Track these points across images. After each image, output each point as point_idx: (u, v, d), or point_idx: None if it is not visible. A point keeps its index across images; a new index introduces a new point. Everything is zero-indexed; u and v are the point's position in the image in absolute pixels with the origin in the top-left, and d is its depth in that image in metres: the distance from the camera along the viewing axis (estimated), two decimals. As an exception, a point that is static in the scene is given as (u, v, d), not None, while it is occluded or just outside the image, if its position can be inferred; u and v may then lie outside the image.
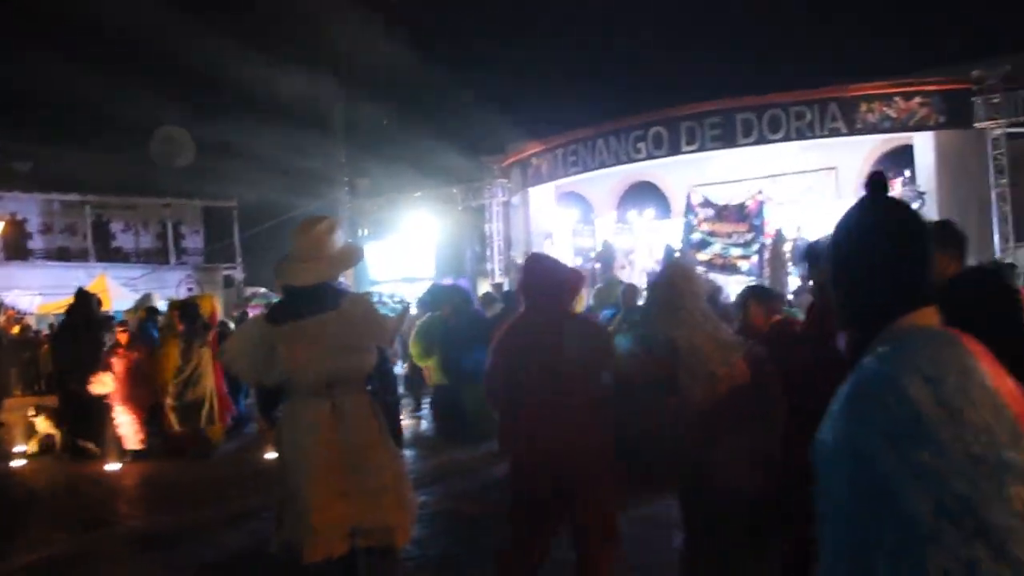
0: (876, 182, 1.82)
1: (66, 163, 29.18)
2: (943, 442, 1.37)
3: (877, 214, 1.73)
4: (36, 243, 30.77)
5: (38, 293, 25.34)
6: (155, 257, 32.72)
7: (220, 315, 14.55)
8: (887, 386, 1.45)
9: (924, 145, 19.55)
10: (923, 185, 19.06)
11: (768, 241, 18.48)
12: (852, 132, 19.53)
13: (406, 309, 5.12)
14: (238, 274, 32.00)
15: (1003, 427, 1.38)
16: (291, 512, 4.06)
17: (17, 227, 30.00)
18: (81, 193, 30.42)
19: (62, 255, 30.58)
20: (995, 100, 18.25)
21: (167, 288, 27.38)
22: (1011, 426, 1.38)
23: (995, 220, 18.54)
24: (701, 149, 20.92)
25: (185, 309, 11.45)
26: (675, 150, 21.19)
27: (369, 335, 4.15)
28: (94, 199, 31.01)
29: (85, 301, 11.71)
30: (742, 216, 18.41)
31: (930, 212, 18.81)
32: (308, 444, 4.02)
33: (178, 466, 10.46)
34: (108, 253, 31.73)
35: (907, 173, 19.66)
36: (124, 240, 33.08)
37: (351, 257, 4.40)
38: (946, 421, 1.38)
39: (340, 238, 4.34)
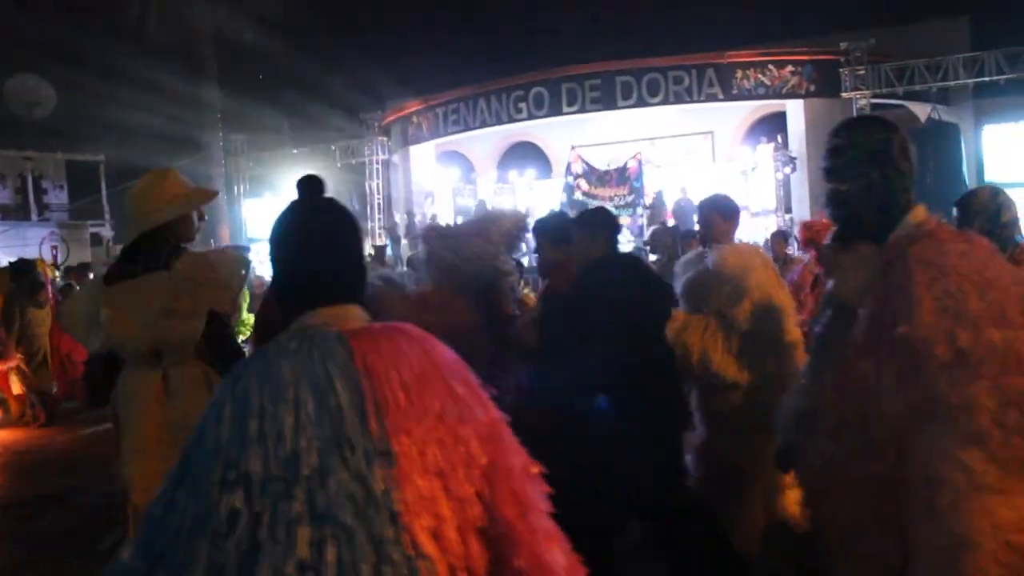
0: (306, 182, 2.02)
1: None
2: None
3: (302, 214, 1.88)
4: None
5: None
6: (14, 213, 30.97)
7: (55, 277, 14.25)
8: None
9: (795, 112, 20.23)
10: (794, 151, 19.74)
11: (648, 202, 18.84)
12: (728, 98, 20.05)
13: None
14: (107, 231, 30.62)
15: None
16: (121, 488, 3.73)
17: None
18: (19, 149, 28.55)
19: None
20: (860, 71, 19.00)
21: (30, 245, 25.97)
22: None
23: (859, 185, 19.31)
24: (581, 110, 21.10)
25: (16, 268, 11.00)
26: (556, 111, 21.31)
27: (200, 298, 3.62)
28: (34, 155, 29.15)
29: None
30: (623, 179, 18.68)
31: (801, 177, 19.54)
32: (132, 417, 3.66)
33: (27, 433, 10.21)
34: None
35: (779, 139, 20.32)
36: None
37: (183, 200, 3.78)
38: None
39: (174, 187, 3.79)
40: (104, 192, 30.87)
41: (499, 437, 1.61)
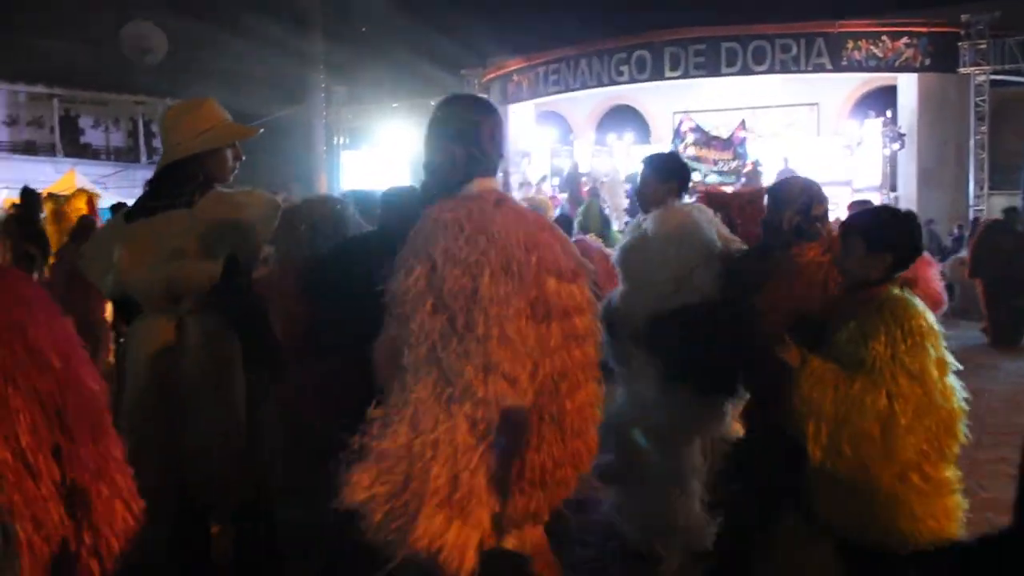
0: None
1: (34, 53, 28.35)
2: None
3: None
4: (2, 135, 30.05)
5: (4, 186, 24.85)
6: (126, 155, 32.10)
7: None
8: None
9: (907, 86, 19.50)
10: (903, 127, 19.06)
11: (746, 171, 18.48)
12: (837, 69, 19.42)
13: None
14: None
15: None
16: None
17: (-19, 117, 29.29)
18: (48, 85, 29.65)
19: (28, 148, 29.91)
20: (981, 46, 18.17)
21: (138, 187, 26.85)
22: None
23: (972, 167, 18.60)
24: (684, 76, 20.72)
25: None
26: (658, 75, 20.98)
27: (219, 241, 3.18)
28: (62, 92, 30.25)
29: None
30: (728, 144, 18.34)
31: (910, 154, 18.88)
32: (136, 368, 3.22)
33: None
34: (76, 149, 31.05)
35: (888, 113, 19.64)
36: (93, 136, 32.32)
37: (215, 133, 3.35)
38: None
39: (208, 118, 3.36)
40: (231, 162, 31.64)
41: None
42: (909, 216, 3.11)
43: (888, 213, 3.22)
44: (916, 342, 2.76)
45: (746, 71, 19.90)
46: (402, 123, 26.56)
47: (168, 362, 3.17)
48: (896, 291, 2.92)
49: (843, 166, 20.39)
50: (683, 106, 21.09)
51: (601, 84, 22.31)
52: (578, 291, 2.41)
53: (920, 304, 2.88)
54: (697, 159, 18.43)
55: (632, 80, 21.60)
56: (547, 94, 23.77)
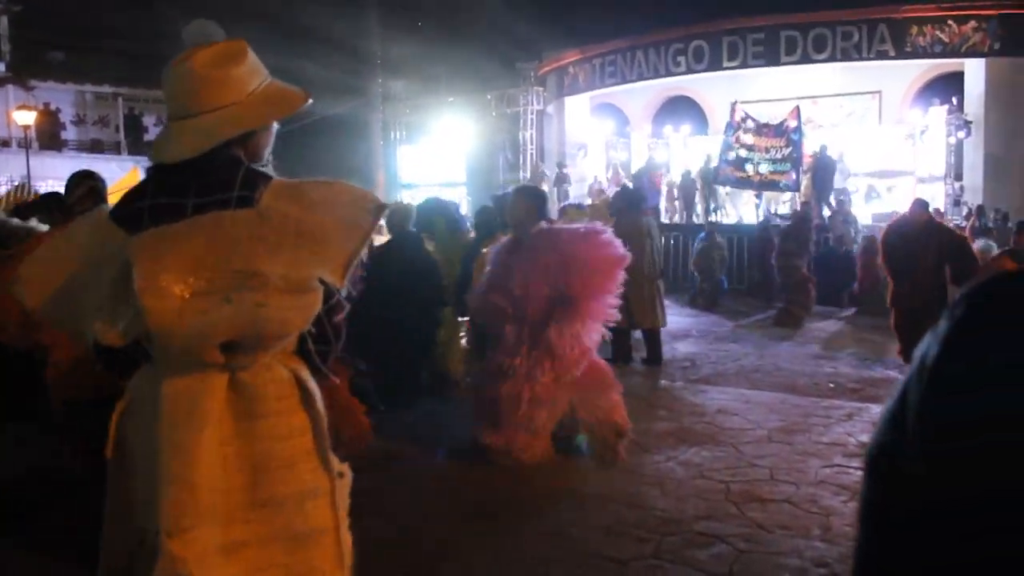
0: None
1: (100, 55, 29.04)
2: None
3: None
4: (69, 134, 30.85)
5: (72, 184, 25.46)
6: (187, 152, 32.71)
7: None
8: None
9: (975, 72, 18.94)
10: (970, 114, 18.54)
11: (807, 161, 18.15)
12: (900, 56, 18.94)
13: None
14: (269, 172, 32.01)
15: None
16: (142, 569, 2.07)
17: (51, 117, 30.08)
18: (114, 85, 30.35)
19: (95, 147, 30.66)
20: (1054, 28, 17.59)
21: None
22: None
23: (1042, 154, 18.03)
24: (743, 66, 20.44)
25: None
26: (716, 65, 20.73)
27: (310, 258, 2.07)
28: (127, 92, 30.96)
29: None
30: (780, 131, 18.04)
31: (976, 142, 18.39)
32: (181, 449, 2.02)
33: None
34: (140, 146, 31.75)
35: (954, 101, 19.15)
36: (156, 134, 33.03)
37: (276, 101, 2.28)
38: None
39: (251, 71, 2.24)
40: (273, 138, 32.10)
41: None
42: None
43: None
44: None
45: (806, 60, 19.55)
46: (458, 117, 26.65)
47: (220, 435, 2.06)
48: None
49: (906, 155, 19.97)
50: (740, 96, 20.80)
51: (658, 75, 22.13)
52: None
53: None
54: (751, 147, 18.12)
55: (689, 71, 21.37)
56: (603, 86, 23.65)
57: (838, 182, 18.26)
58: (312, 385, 2.16)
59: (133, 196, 2.19)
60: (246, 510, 2.09)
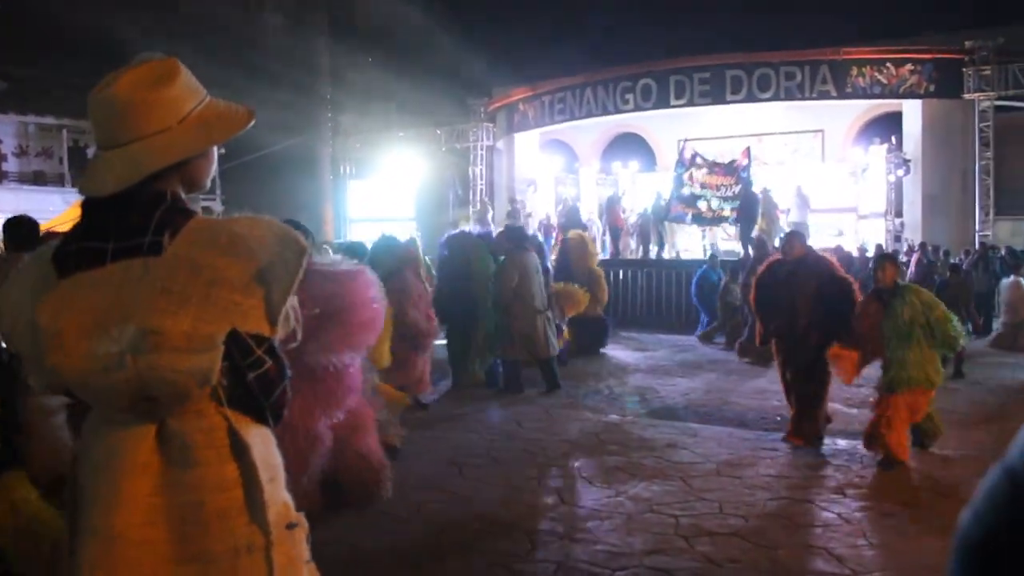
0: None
1: (43, 85, 28.59)
2: None
3: None
4: (10, 166, 30.20)
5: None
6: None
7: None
8: None
9: (912, 113, 19.55)
10: (909, 153, 19.07)
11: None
12: (842, 96, 19.47)
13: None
14: (217, 206, 31.63)
15: None
16: None
17: (-9, 147, 29.48)
18: (57, 116, 29.87)
19: (37, 179, 30.07)
20: (986, 72, 18.22)
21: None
22: None
23: (977, 192, 18.57)
24: (689, 104, 20.80)
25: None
26: (663, 103, 21.06)
27: (223, 311, 1.91)
28: (71, 123, 30.48)
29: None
30: (731, 170, 18.36)
31: (915, 180, 18.89)
32: (100, 499, 1.95)
33: None
34: (84, 179, 31.25)
35: (893, 140, 19.67)
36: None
37: (214, 124, 2.13)
38: None
39: (185, 93, 2.07)
40: (216, 167, 31.76)
41: None
42: None
43: None
44: None
45: (751, 98, 19.97)
46: (408, 152, 26.68)
47: (148, 482, 1.94)
48: None
49: (849, 192, 20.42)
50: (687, 134, 21.16)
51: (606, 112, 22.40)
52: None
53: None
54: (704, 185, 18.45)
55: (637, 108, 21.68)
56: (553, 122, 23.86)
57: (797, 216, 18.41)
58: (245, 435, 1.99)
59: (67, 237, 2.05)
60: (174, 565, 1.95)
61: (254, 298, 1.92)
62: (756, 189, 18.10)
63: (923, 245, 16.60)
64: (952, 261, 15.12)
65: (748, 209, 17.43)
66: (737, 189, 18.15)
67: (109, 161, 2.00)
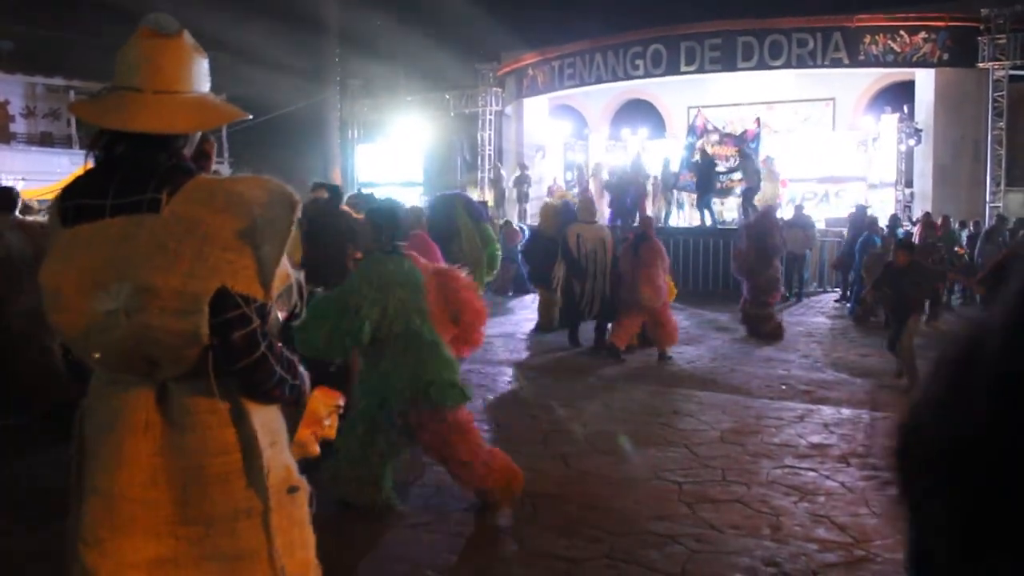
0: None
1: (50, 45, 28.46)
2: None
3: None
4: (18, 127, 30.15)
5: (20, 178, 24.95)
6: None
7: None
8: None
9: (925, 82, 19.33)
10: (920, 122, 18.90)
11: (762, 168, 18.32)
12: (854, 64, 19.27)
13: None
14: (225, 169, 31.66)
15: None
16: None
17: (-1, 108, 29.43)
18: (66, 77, 29.74)
19: (45, 140, 30.02)
20: (1001, 40, 17.98)
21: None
22: None
23: (989, 163, 18.43)
24: (700, 70, 20.61)
25: None
26: (674, 69, 20.87)
27: (213, 268, 1.89)
28: (80, 84, 30.36)
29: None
30: (740, 141, 18.27)
31: (926, 150, 18.75)
32: (102, 458, 2.00)
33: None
34: (93, 140, 31.19)
35: (905, 109, 19.50)
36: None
37: (220, 108, 2.20)
38: None
39: (205, 74, 2.17)
40: (224, 132, 31.77)
41: None
42: None
43: None
44: None
45: (762, 66, 19.77)
46: (416, 116, 26.58)
47: (147, 445, 1.97)
48: None
49: (858, 161, 20.29)
50: (698, 100, 21.00)
51: (616, 78, 22.24)
52: None
53: None
54: (713, 155, 18.50)
55: (647, 75, 21.50)
56: (562, 88, 23.71)
57: (769, 190, 18.00)
58: (245, 400, 2.02)
59: (65, 191, 2.09)
60: (174, 525, 1.99)
61: (246, 258, 1.92)
62: (761, 159, 17.99)
63: (927, 218, 15.62)
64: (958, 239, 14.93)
65: (750, 179, 17.35)
66: (737, 160, 18.12)
67: (167, 104, 2.02)
